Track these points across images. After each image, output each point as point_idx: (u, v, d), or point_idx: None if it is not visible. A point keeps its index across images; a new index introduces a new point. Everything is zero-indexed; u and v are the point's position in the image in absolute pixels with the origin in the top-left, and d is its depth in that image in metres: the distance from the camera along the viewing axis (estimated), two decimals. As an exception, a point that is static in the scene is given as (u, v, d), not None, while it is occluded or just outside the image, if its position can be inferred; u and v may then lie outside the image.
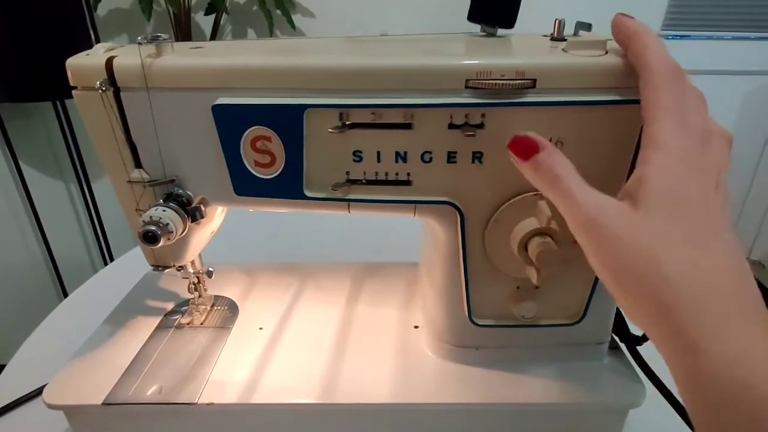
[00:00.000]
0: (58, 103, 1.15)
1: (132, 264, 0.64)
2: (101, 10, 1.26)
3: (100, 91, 0.30)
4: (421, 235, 0.48)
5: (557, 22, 0.33)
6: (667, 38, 1.49)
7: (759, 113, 1.52)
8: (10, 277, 1.19)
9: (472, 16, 0.35)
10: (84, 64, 0.31)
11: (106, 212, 1.32)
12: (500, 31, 0.36)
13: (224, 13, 1.44)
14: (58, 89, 1.05)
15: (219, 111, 0.30)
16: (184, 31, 1.34)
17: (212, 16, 1.41)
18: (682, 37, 1.48)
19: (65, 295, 1.29)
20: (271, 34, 1.43)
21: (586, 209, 0.23)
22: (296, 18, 1.48)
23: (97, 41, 1.15)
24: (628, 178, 0.30)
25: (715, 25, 1.47)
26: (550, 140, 0.30)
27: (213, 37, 1.44)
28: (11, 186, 1.17)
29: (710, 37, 1.47)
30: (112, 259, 1.34)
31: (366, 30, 1.53)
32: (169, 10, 1.30)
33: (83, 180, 1.24)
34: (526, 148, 0.26)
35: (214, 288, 0.47)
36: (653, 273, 0.21)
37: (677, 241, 0.21)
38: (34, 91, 1.06)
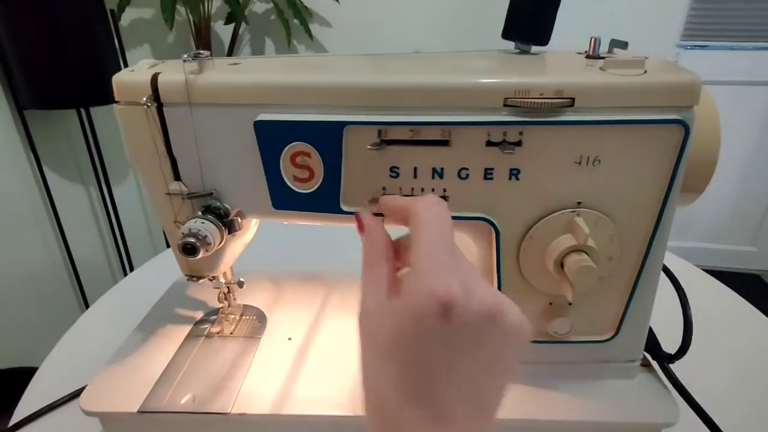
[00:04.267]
0: (82, 110, 1.18)
1: (155, 272, 0.66)
2: (125, 20, 1.29)
3: (145, 107, 0.31)
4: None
5: (593, 40, 0.33)
6: (686, 49, 1.48)
7: (780, 124, 1.50)
8: (31, 281, 1.21)
9: (507, 34, 0.35)
10: (129, 80, 0.32)
11: (126, 218, 1.34)
12: (533, 48, 0.36)
13: (243, 23, 1.46)
14: (83, 97, 1.07)
15: (261, 127, 0.31)
16: (203, 40, 1.36)
17: (231, 26, 1.44)
18: (701, 47, 1.47)
19: (85, 299, 1.31)
20: (289, 43, 1.45)
21: (362, 302, 0.25)
22: (313, 28, 1.50)
23: (122, 50, 1.17)
24: (664, 200, 0.31)
25: (735, 36, 1.46)
26: (587, 159, 0.30)
27: (232, 45, 1.46)
28: (35, 191, 1.19)
29: (730, 48, 1.46)
30: (131, 264, 1.36)
31: (382, 39, 1.54)
32: (190, 20, 1.33)
33: (104, 186, 1.26)
34: (359, 224, 0.29)
35: (242, 297, 0.47)
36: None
37: None
38: (59, 99, 1.08)
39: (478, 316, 0.21)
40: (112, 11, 1.12)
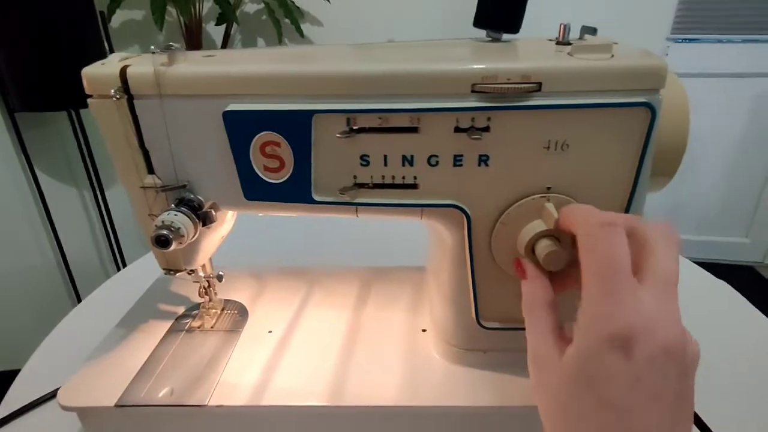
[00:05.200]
0: (72, 112, 1.18)
1: (143, 270, 0.66)
2: (115, 22, 1.29)
3: (114, 99, 0.31)
4: (428, 240, 0.48)
5: (562, 26, 0.33)
6: (676, 42, 1.48)
7: (771, 116, 1.51)
8: (25, 281, 1.22)
9: (478, 22, 0.35)
10: (99, 73, 0.32)
11: (118, 218, 1.34)
12: (505, 36, 0.36)
13: (234, 23, 1.46)
14: (73, 99, 1.08)
15: (229, 117, 0.31)
16: (195, 41, 1.36)
17: (223, 26, 1.44)
18: (691, 40, 1.47)
19: (78, 298, 1.31)
20: (280, 42, 1.45)
21: (532, 351, 0.25)
22: (305, 26, 1.50)
23: (111, 52, 1.17)
24: (634, 183, 0.31)
25: (725, 28, 1.46)
26: (556, 144, 0.30)
27: (224, 46, 1.46)
28: (27, 192, 1.19)
29: (720, 41, 1.46)
30: (123, 264, 1.36)
31: (373, 37, 1.54)
32: (181, 21, 1.33)
33: (96, 186, 1.26)
34: (520, 271, 0.30)
35: (223, 292, 0.48)
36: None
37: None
38: (49, 101, 1.08)
39: (663, 349, 0.20)
40: (102, 13, 1.12)
